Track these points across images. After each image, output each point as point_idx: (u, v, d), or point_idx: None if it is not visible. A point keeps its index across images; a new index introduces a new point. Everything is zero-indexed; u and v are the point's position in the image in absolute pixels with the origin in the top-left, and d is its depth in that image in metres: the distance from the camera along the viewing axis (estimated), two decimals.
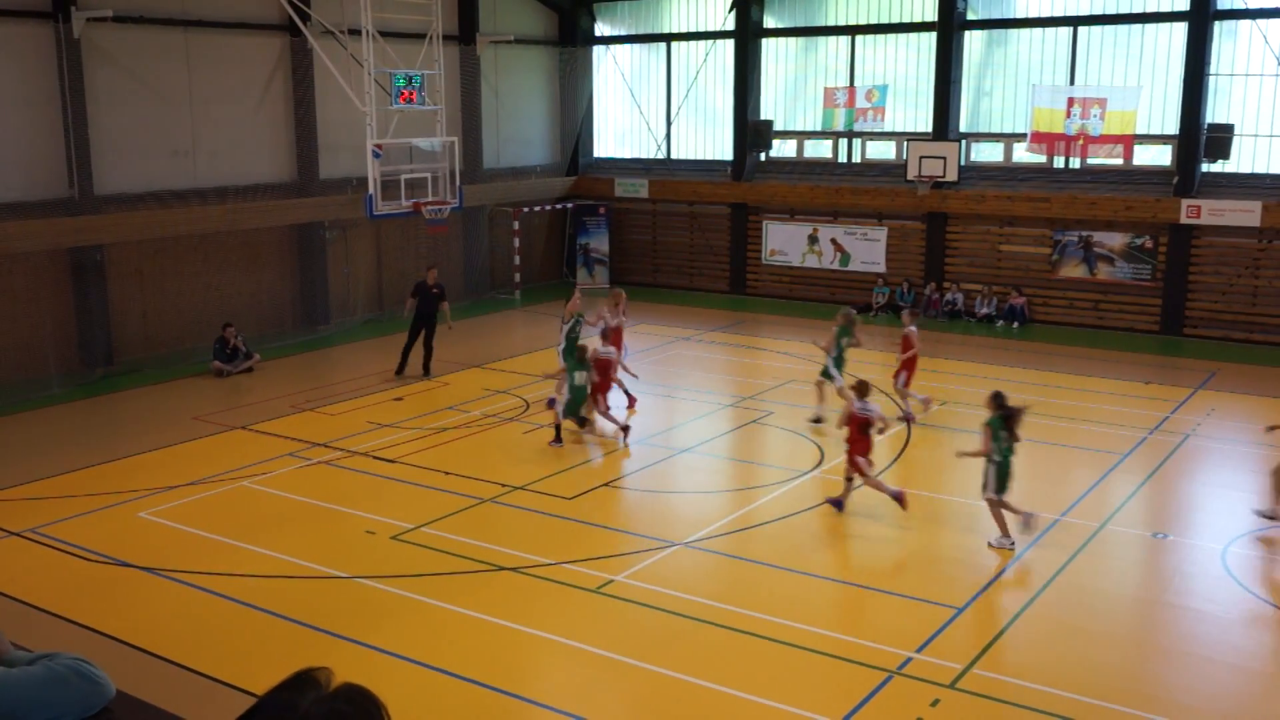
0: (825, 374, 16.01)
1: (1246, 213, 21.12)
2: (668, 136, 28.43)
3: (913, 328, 16.41)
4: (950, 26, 23.82)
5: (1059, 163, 23.54)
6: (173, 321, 20.41)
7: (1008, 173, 23.98)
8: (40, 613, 10.05)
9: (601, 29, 29.05)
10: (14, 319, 18.23)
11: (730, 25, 26.56)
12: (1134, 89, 22.32)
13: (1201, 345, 21.51)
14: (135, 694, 3.14)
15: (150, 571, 10.99)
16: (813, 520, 12.36)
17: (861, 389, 12.56)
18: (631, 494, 13.68)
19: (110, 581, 10.86)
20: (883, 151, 25.56)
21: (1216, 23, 21.61)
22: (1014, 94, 24.02)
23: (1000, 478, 11.42)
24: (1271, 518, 11.99)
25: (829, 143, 26.21)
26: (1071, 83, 23.03)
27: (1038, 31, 23.64)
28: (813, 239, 25.93)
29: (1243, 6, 21.40)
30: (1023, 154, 23.75)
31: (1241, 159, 21.79)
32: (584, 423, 15.46)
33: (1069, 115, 22.44)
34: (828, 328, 16.54)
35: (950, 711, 8.38)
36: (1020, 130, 23.63)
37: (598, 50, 29.04)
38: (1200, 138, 21.69)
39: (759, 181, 26.69)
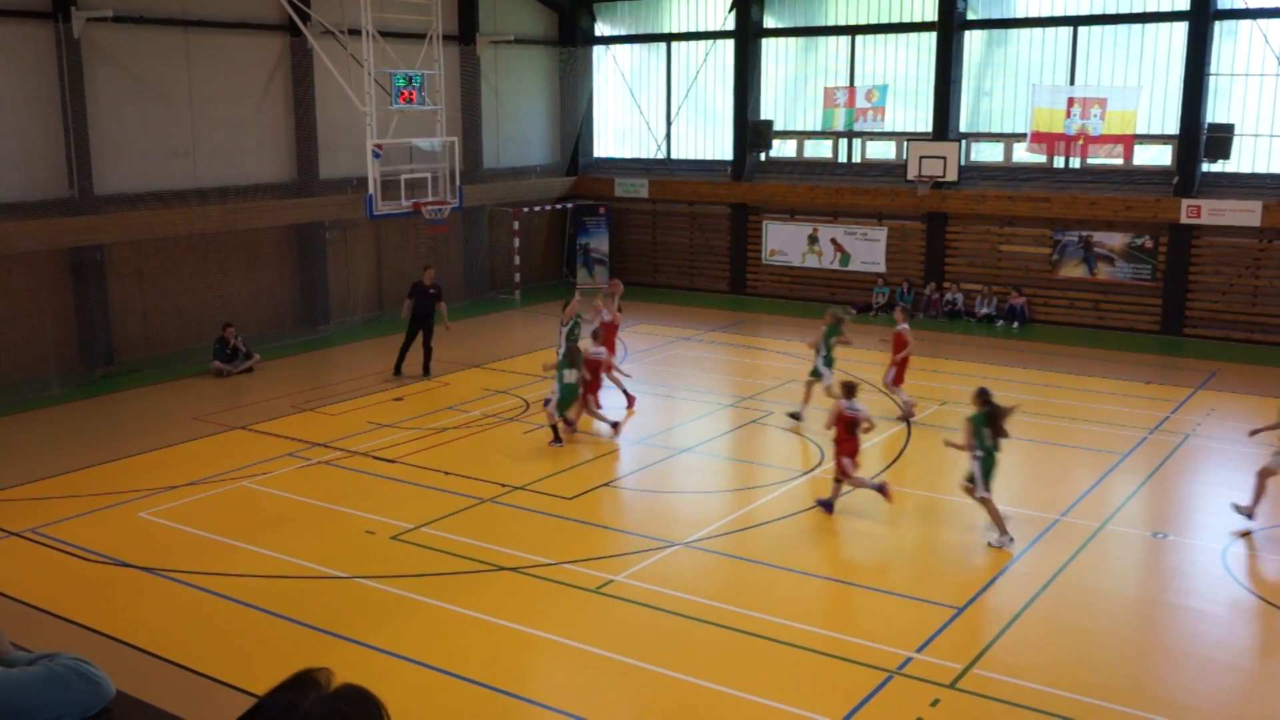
0: (815, 373, 15.96)
1: (1247, 213, 21.12)
2: (668, 136, 28.43)
3: (905, 325, 16.35)
4: (950, 26, 23.82)
5: (1059, 163, 23.55)
6: (173, 321, 20.41)
7: (1008, 173, 23.98)
8: (40, 613, 10.05)
9: (601, 29, 29.06)
10: (14, 319, 18.23)
11: (730, 25, 26.56)
12: (1134, 89, 22.32)
13: (1202, 345, 21.51)
14: (135, 694, 3.14)
15: (150, 571, 10.99)
16: (812, 520, 12.36)
17: (849, 389, 12.55)
18: (631, 494, 13.68)
19: (110, 581, 10.86)
20: (883, 151, 25.56)
21: (1216, 23, 21.61)
22: (1014, 94, 24.02)
23: (985, 473, 11.48)
24: (1248, 516, 12.00)
25: (829, 143, 26.21)
26: (1071, 83, 23.03)
27: (1038, 31, 23.64)
28: (813, 239, 25.94)
29: (1243, 6, 21.40)
30: (1023, 154, 23.75)
31: (1241, 159, 21.80)
32: (568, 422, 15.43)
33: (1069, 115, 22.44)
34: (818, 327, 16.52)
35: (950, 711, 8.38)
36: (1020, 130, 23.63)
37: (598, 50, 29.04)
38: (1200, 138, 21.69)
39: (759, 181, 26.69)
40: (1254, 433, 12.92)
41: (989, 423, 11.49)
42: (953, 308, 24.04)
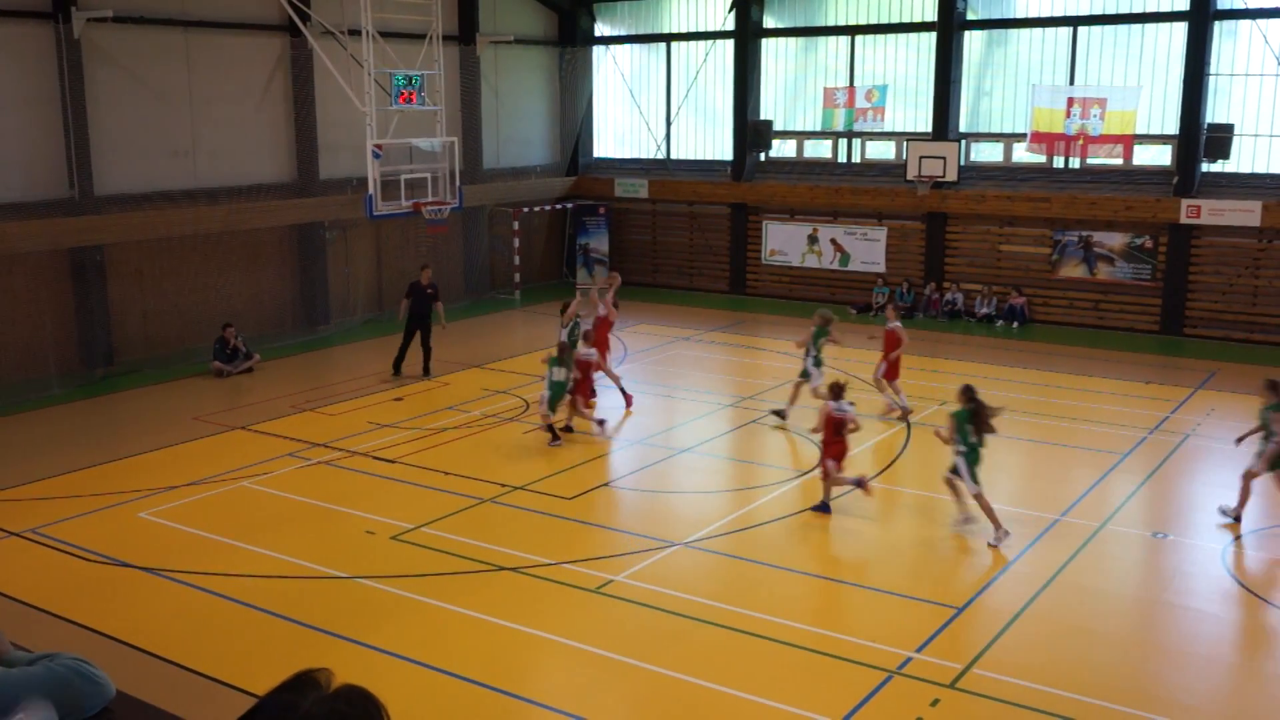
0: (804, 374, 15.89)
1: (1246, 212, 21.12)
2: (667, 136, 28.43)
3: (896, 323, 16.31)
4: (950, 26, 23.82)
5: (1059, 163, 23.55)
6: (173, 321, 20.41)
7: (1008, 173, 23.98)
8: (40, 613, 10.06)
9: (601, 29, 29.06)
10: (14, 319, 18.23)
11: (730, 25, 26.56)
12: (1134, 89, 22.33)
13: (1201, 345, 21.51)
14: (135, 694, 3.14)
15: (150, 571, 10.99)
16: (811, 520, 12.36)
17: (836, 390, 12.55)
18: (631, 494, 13.68)
19: (110, 581, 10.86)
20: (882, 151, 25.56)
21: (1216, 23, 21.61)
22: (1014, 94, 24.02)
23: (970, 468, 11.55)
24: (1236, 518, 12.10)
25: (829, 143, 26.21)
26: (1071, 83, 23.03)
27: (1037, 31, 23.64)
28: (812, 239, 25.94)
29: (1243, 6, 21.40)
30: (1023, 154, 23.75)
31: (1241, 159, 21.80)
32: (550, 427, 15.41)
33: (1069, 115, 22.44)
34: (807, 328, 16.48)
35: (950, 711, 8.39)
36: (1020, 130, 23.63)
37: (598, 50, 29.04)
38: (1200, 138, 21.69)
39: (759, 181, 26.69)
40: (1240, 440, 12.90)
41: (972, 419, 11.56)
42: (952, 308, 24.05)
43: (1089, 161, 22.98)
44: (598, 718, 8.37)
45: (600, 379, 16.87)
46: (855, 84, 25.40)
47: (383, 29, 18.89)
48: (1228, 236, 21.65)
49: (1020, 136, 23.59)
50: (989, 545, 11.49)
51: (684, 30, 27.81)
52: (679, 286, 27.82)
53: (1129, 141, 22.08)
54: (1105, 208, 22.55)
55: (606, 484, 13.86)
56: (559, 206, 28.32)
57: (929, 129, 24.36)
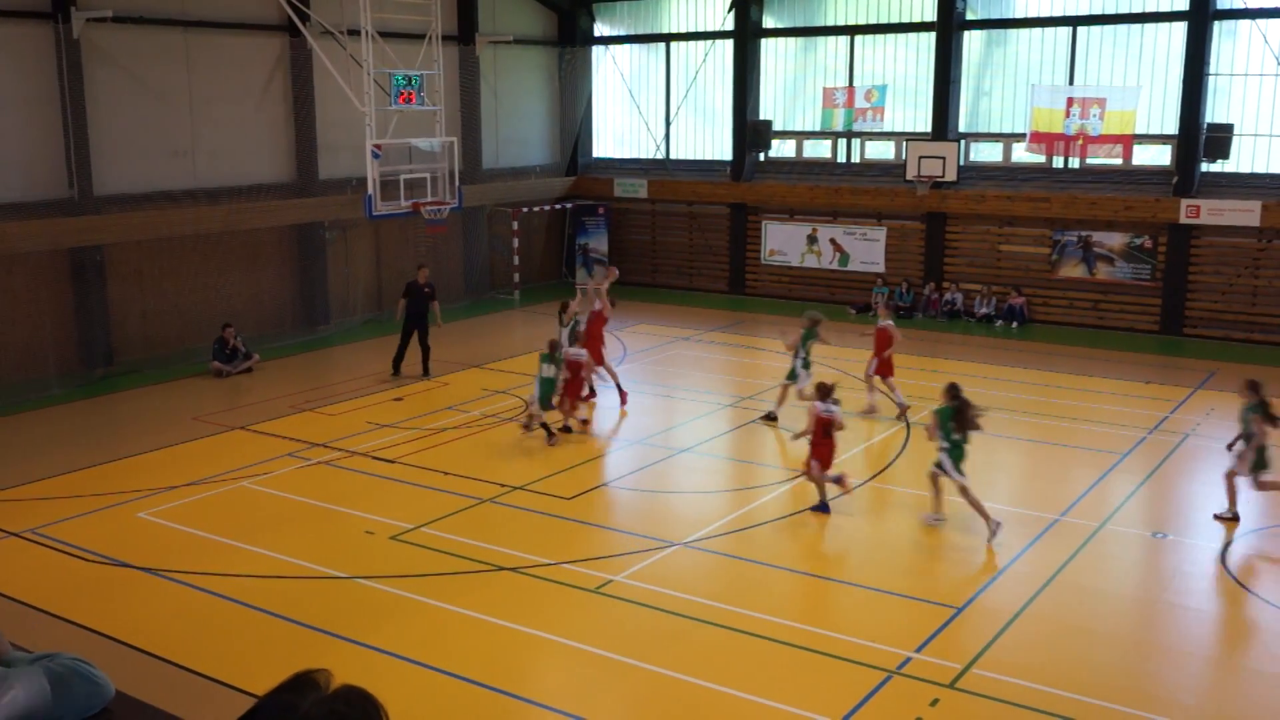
0: (791, 376, 15.85)
1: (1246, 212, 21.13)
2: (667, 137, 28.43)
3: (889, 322, 16.30)
4: (950, 26, 23.82)
5: (1058, 163, 23.55)
6: (173, 321, 20.41)
7: (1007, 173, 23.98)
8: (40, 613, 10.05)
9: (601, 29, 29.05)
10: (14, 319, 18.23)
11: (730, 25, 26.56)
12: (1133, 89, 22.33)
13: (1201, 345, 21.52)
14: (135, 694, 3.14)
15: (150, 571, 10.99)
16: (811, 520, 12.37)
17: (823, 390, 12.55)
18: (631, 494, 13.68)
19: (110, 581, 10.86)
20: (882, 151, 25.56)
21: (1216, 23, 21.61)
22: (1013, 94, 24.02)
23: (954, 462, 11.64)
24: (1233, 519, 12.14)
25: (828, 143, 26.21)
26: (1071, 83, 23.03)
27: (1037, 31, 23.64)
28: (812, 239, 25.94)
29: (1243, 6, 21.41)
30: (1022, 154, 23.75)
31: (1241, 159, 21.80)
32: (544, 425, 15.39)
33: (1068, 115, 22.44)
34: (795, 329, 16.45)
35: (950, 711, 8.39)
36: (1020, 130, 23.63)
37: (597, 50, 29.03)
38: (1200, 138, 21.69)
39: (758, 181, 26.69)
40: (1231, 445, 12.86)
41: (955, 417, 11.65)
42: (952, 308, 24.05)
43: (1088, 161, 22.98)
44: (597, 718, 8.37)
45: (600, 378, 16.88)
46: (855, 84, 25.40)
47: (382, 29, 18.89)
48: (1227, 236, 21.65)
49: (1020, 136, 23.59)
50: (989, 545, 11.48)
51: (683, 30, 27.80)
52: (678, 286, 27.82)
53: (1128, 141, 22.08)
54: (1105, 208, 22.55)
55: (606, 484, 13.86)
56: (558, 206, 28.32)
57: (928, 129, 24.36)
